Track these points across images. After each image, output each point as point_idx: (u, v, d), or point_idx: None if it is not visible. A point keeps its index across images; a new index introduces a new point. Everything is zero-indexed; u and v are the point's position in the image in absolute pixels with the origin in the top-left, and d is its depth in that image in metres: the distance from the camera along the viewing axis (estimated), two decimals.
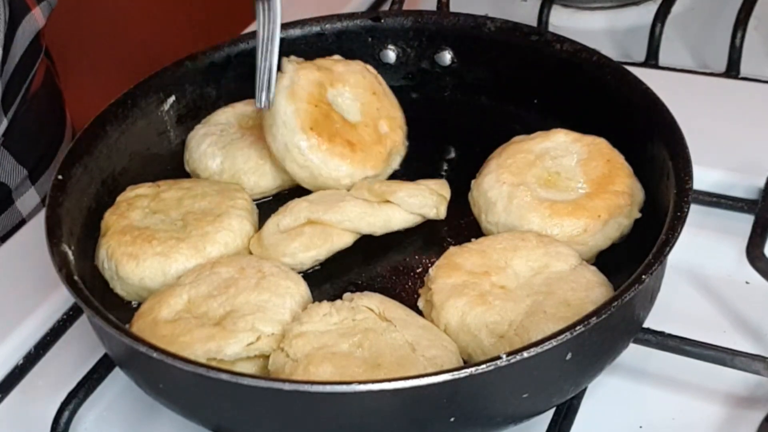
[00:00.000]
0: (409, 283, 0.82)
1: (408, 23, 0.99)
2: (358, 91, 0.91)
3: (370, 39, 1.00)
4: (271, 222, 0.84)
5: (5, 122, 1.10)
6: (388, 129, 0.90)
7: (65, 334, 0.86)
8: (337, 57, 0.93)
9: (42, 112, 1.19)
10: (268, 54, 0.84)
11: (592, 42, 0.92)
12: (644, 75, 0.86)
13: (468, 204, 0.86)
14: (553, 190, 0.82)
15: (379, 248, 0.85)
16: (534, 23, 1.14)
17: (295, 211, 0.83)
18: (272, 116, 0.86)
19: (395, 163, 0.91)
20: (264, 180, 0.90)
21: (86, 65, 1.88)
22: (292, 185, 0.92)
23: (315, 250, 0.82)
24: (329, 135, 0.85)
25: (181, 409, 0.70)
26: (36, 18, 1.12)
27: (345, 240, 0.83)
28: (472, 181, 0.86)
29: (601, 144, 0.84)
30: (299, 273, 0.81)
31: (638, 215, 0.80)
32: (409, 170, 0.91)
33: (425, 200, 0.84)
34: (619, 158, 0.83)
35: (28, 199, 1.15)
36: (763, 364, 0.71)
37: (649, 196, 0.82)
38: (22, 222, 1.14)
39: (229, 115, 0.95)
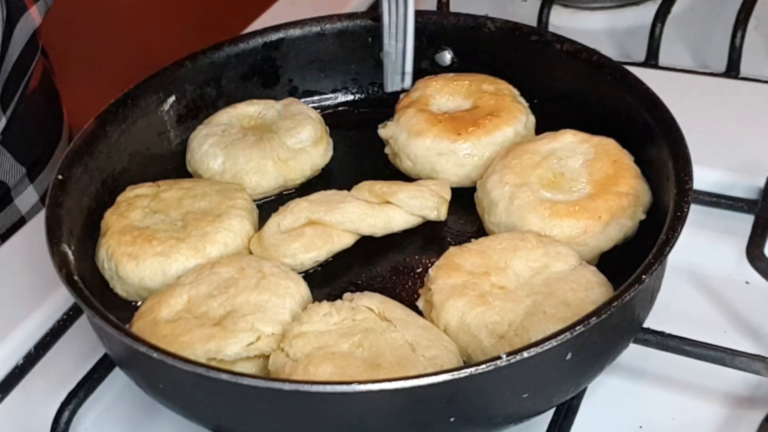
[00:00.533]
0: (409, 283, 0.82)
1: None
2: (451, 93, 0.94)
3: (370, 39, 1.00)
4: (272, 222, 0.84)
5: (3, 121, 1.10)
6: (496, 96, 0.92)
7: (65, 334, 0.86)
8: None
9: (40, 111, 1.19)
10: (400, 37, 0.88)
11: (592, 42, 0.92)
12: (644, 75, 0.86)
13: (468, 204, 0.86)
14: (556, 190, 0.82)
15: (379, 248, 0.85)
16: (534, 23, 1.14)
17: (295, 212, 0.83)
18: (397, 149, 0.91)
19: (530, 123, 0.92)
20: (265, 180, 0.90)
21: (83, 64, 1.88)
22: (293, 185, 0.92)
23: (315, 251, 0.82)
24: (453, 124, 0.89)
25: (181, 409, 0.70)
26: (33, 17, 1.12)
27: (345, 241, 0.83)
28: (478, 181, 0.86)
29: (608, 145, 0.84)
30: (299, 273, 0.81)
31: (642, 217, 0.80)
32: None
33: (426, 202, 0.84)
34: (626, 159, 0.83)
35: (26, 197, 1.15)
36: (763, 364, 0.71)
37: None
38: (21, 220, 1.14)
39: (231, 115, 0.95)
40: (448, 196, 0.86)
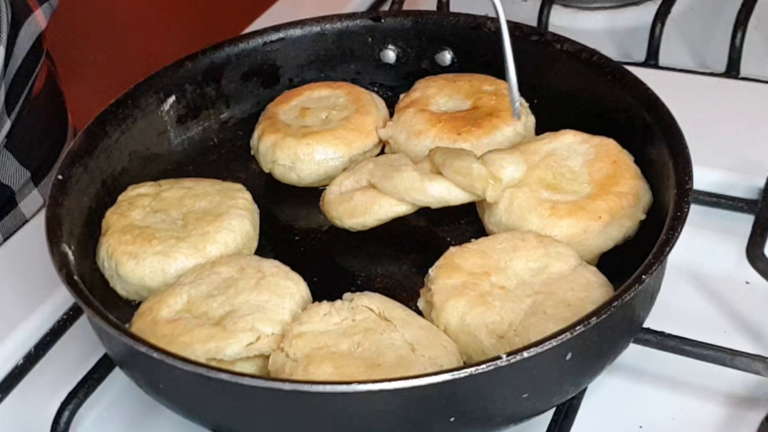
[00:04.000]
0: (409, 283, 0.82)
1: (408, 23, 0.99)
2: (451, 93, 0.94)
3: (370, 39, 1.00)
4: (336, 180, 0.85)
5: (8, 124, 1.10)
6: (495, 97, 0.92)
7: (65, 334, 0.86)
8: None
9: (44, 114, 1.19)
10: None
11: (592, 42, 0.92)
12: (644, 75, 0.86)
13: (468, 204, 0.86)
14: (556, 191, 0.82)
15: (379, 248, 0.85)
16: (534, 23, 1.14)
17: (357, 172, 0.83)
18: (397, 148, 0.91)
19: (530, 123, 0.91)
20: None
21: (87, 67, 1.88)
22: None
23: (358, 218, 0.82)
24: (453, 124, 0.89)
25: (181, 409, 0.70)
26: (38, 20, 1.12)
27: (400, 209, 0.82)
28: None
29: (609, 145, 0.84)
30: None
31: (642, 217, 0.80)
32: None
33: (473, 181, 0.79)
34: (626, 159, 0.83)
35: (31, 201, 1.15)
36: (763, 364, 0.71)
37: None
38: (26, 224, 1.14)
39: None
40: (507, 176, 0.80)
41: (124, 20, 2.02)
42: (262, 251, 0.85)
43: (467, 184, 0.80)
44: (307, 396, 0.62)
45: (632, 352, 0.73)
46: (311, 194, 0.91)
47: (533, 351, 0.62)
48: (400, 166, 0.82)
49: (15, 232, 1.10)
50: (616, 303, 0.65)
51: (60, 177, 0.82)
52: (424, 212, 0.87)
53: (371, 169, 0.83)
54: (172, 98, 0.96)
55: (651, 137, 0.81)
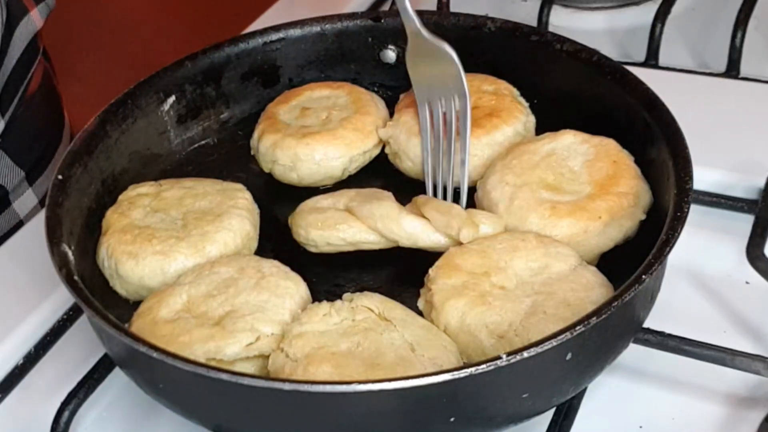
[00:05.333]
0: (409, 283, 0.82)
1: None
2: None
3: (370, 39, 1.00)
4: (315, 198, 0.85)
5: (2, 124, 1.10)
6: (495, 96, 0.92)
7: (65, 334, 0.86)
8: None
9: (40, 114, 1.19)
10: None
11: (592, 42, 0.92)
12: (644, 75, 0.86)
13: (468, 204, 0.86)
14: (556, 191, 0.82)
15: (380, 249, 0.85)
16: (534, 23, 1.14)
17: (338, 196, 0.84)
18: (397, 148, 0.91)
19: (530, 123, 0.91)
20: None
21: (85, 66, 1.88)
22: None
23: (324, 230, 0.82)
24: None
25: (181, 409, 0.70)
26: (34, 19, 1.12)
27: (369, 238, 0.82)
28: (478, 182, 0.86)
29: (609, 145, 0.84)
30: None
31: (642, 217, 0.80)
32: None
33: (450, 219, 0.80)
34: (626, 159, 0.83)
35: (25, 201, 1.15)
36: (763, 364, 0.71)
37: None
38: (20, 223, 1.14)
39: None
40: (480, 224, 0.80)
41: (123, 20, 2.02)
42: (262, 251, 0.85)
43: (444, 222, 0.80)
44: (307, 396, 0.62)
45: (632, 352, 0.73)
46: (311, 194, 0.91)
47: (533, 351, 0.62)
48: (381, 197, 0.83)
49: (8, 231, 1.11)
50: (616, 303, 0.65)
51: (60, 177, 0.82)
52: None
53: (352, 195, 0.84)
54: (172, 98, 0.96)
55: (651, 137, 0.81)
